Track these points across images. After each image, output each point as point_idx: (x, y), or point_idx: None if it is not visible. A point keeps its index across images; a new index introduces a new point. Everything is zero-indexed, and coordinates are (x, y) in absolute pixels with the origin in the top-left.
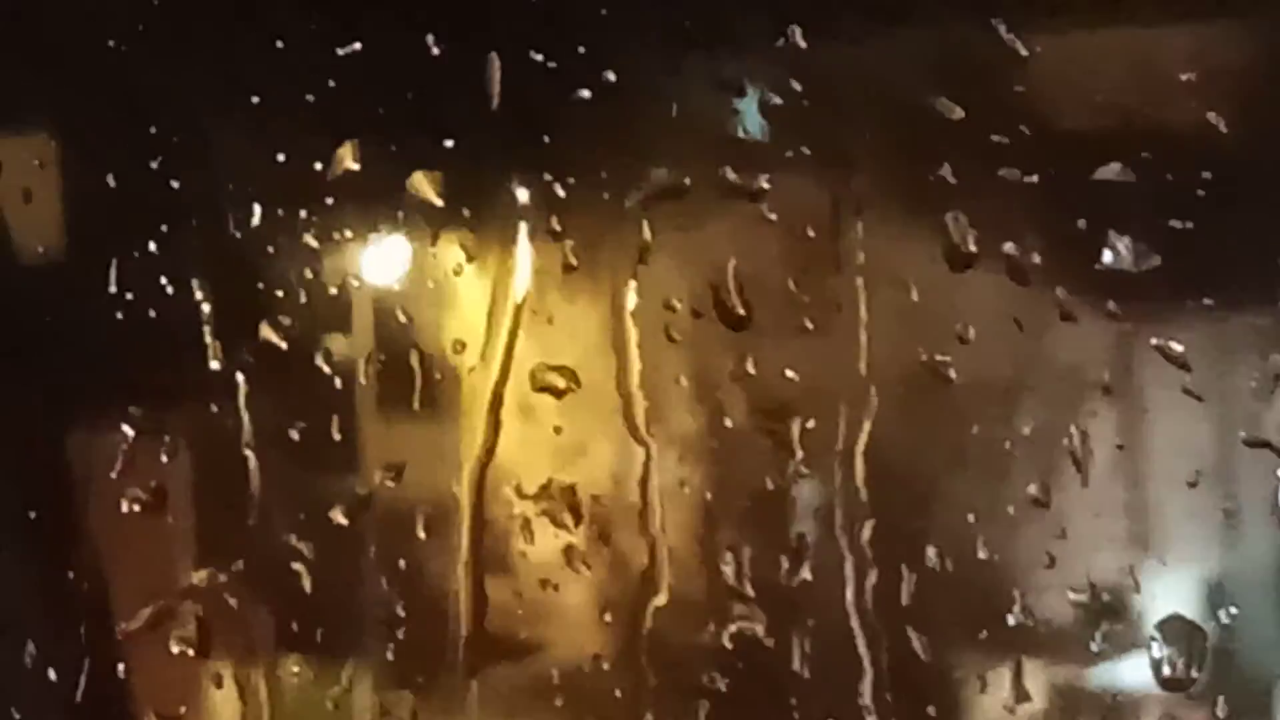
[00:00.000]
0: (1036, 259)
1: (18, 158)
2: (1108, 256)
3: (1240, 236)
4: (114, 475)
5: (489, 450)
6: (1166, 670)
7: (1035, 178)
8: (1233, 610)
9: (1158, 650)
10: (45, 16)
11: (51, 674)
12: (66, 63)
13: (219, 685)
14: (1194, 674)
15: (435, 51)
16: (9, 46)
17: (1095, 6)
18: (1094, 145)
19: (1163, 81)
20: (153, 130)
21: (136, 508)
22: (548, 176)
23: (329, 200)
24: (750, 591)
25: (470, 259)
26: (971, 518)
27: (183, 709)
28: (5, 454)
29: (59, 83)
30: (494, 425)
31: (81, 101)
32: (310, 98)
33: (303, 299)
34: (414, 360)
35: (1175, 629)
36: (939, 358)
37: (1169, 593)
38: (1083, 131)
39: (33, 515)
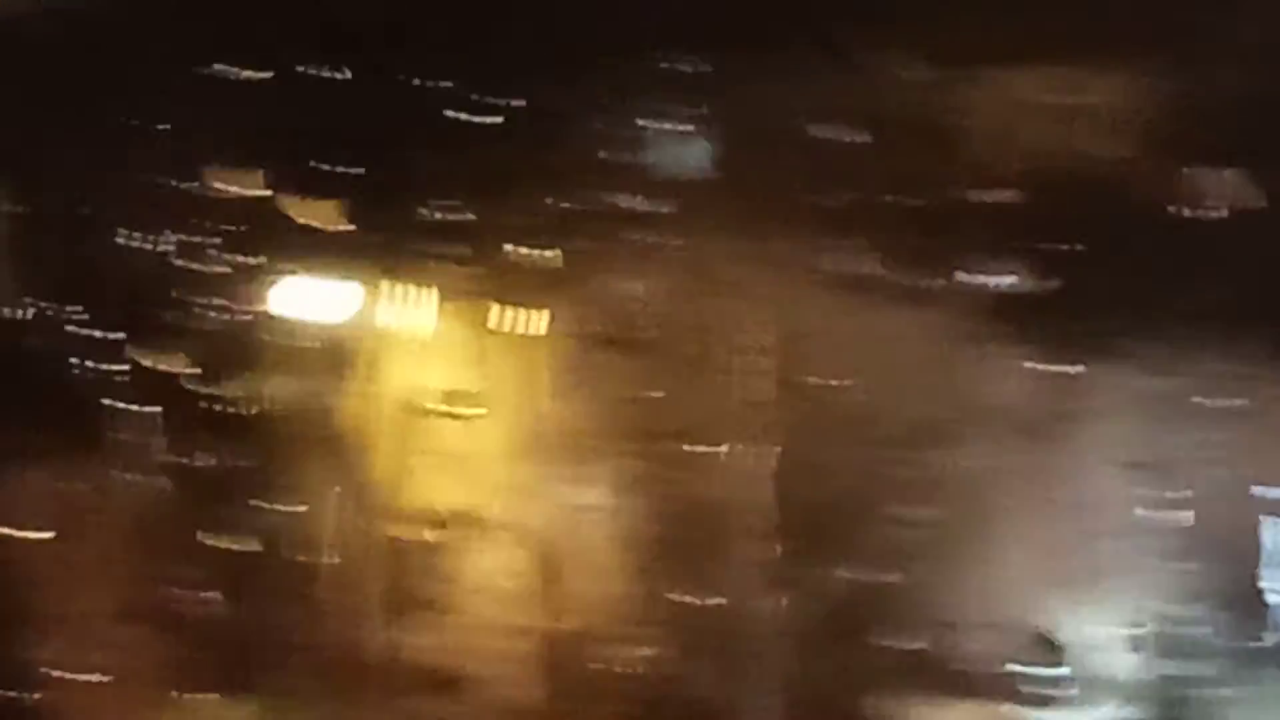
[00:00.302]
0: (938, 282)
1: None
2: (1006, 280)
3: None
4: (15, 503)
5: (394, 476)
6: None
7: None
8: (1095, 630)
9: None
10: None
11: None
12: None
13: (135, 711)
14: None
15: (346, 76)
16: None
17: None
18: (991, 172)
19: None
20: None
21: (46, 536)
22: (456, 201)
23: (237, 227)
24: (658, 615)
25: (379, 283)
26: (873, 538)
27: None
28: None
29: None
30: (400, 451)
31: None
32: (222, 125)
33: (207, 327)
34: (323, 383)
35: (1037, 643)
36: (834, 382)
37: (1058, 609)
38: (978, 158)
39: None
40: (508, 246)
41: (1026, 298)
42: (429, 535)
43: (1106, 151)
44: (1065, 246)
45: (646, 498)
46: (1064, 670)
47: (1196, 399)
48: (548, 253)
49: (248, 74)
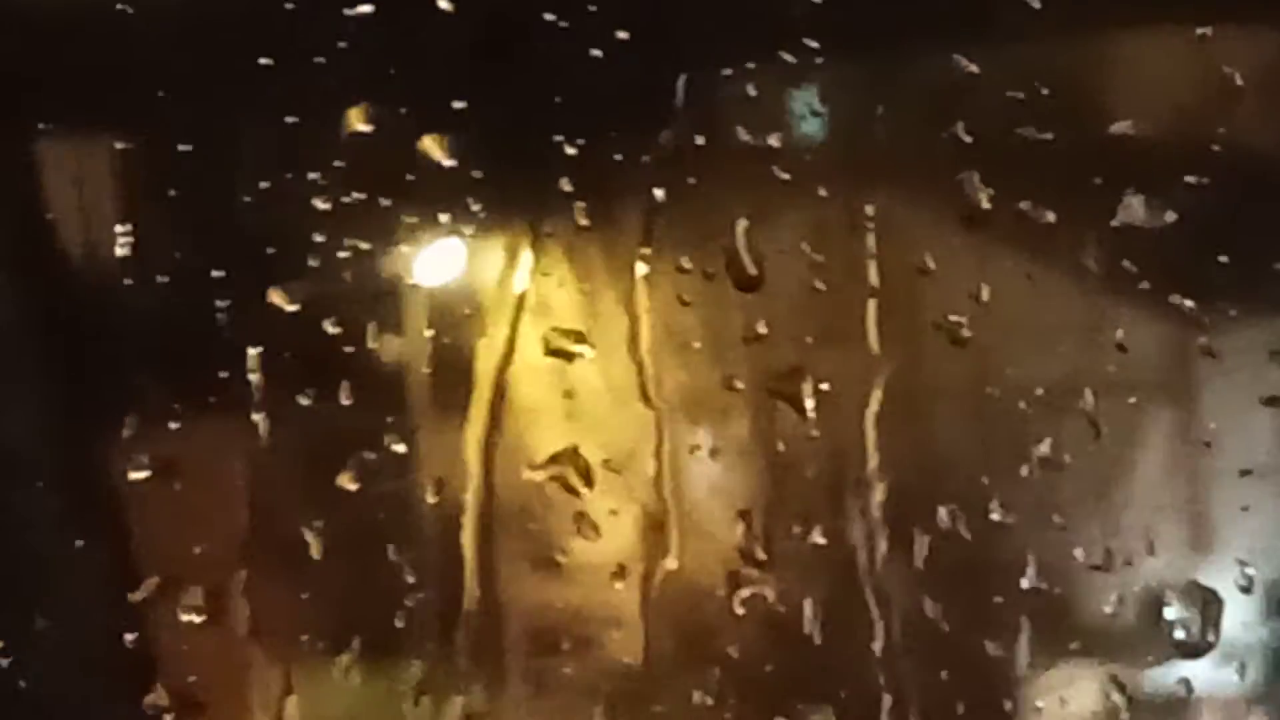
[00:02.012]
0: (1051, 217)
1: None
2: (1123, 214)
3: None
4: (124, 447)
5: (499, 415)
6: (1180, 634)
7: (1050, 135)
8: (1249, 573)
9: (1171, 614)
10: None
11: (62, 643)
12: (68, 29)
13: (229, 656)
14: (1210, 639)
15: (446, 8)
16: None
17: None
18: (1109, 104)
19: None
20: (161, 95)
21: (147, 478)
22: (558, 138)
23: (338, 163)
24: (762, 555)
25: (481, 222)
26: (985, 480)
27: (192, 679)
28: (13, 429)
29: (63, 49)
30: (504, 389)
31: (87, 69)
32: (320, 60)
33: (312, 263)
34: (424, 324)
35: (1190, 594)
36: (953, 319)
37: (1184, 557)
38: (1099, 90)
39: (40, 486)
40: (611, 180)
41: (1157, 234)
42: (531, 475)
43: (1246, 88)
44: (1204, 180)
45: (759, 437)
46: (1200, 621)
47: None
48: (652, 186)
49: (345, 9)
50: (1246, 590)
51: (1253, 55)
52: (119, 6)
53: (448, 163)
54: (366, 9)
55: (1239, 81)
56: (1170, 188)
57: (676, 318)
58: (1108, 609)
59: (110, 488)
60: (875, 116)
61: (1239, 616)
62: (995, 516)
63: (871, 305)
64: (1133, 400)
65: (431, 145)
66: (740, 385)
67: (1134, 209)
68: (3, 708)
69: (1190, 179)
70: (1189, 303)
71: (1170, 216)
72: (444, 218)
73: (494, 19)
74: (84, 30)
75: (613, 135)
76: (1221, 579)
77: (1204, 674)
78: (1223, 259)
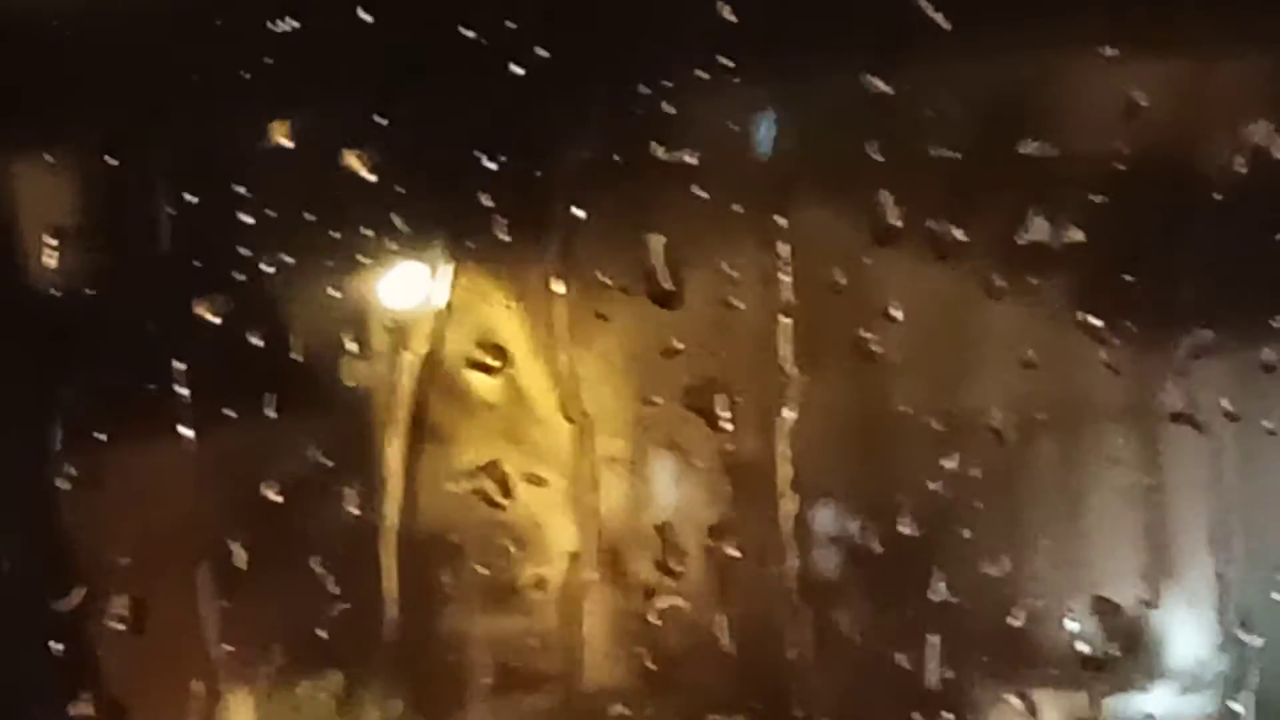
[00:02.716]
0: (960, 235)
1: None
2: (1030, 232)
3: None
4: (51, 455)
5: (420, 428)
6: (1085, 648)
7: (959, 154)
8: (1159, 588)
9: (1078, 627)
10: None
11: None
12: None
13: (155, 667)
14: (1115, 653)
15: (368, 21)
16: None
17: None
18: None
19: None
20: (87, 109)
21: (72, 488)
22: (479, 153)
23: (262, 177)
24: (679, 567)
25: (402, 236)
26: (897, 495)
27: (114, 689)
28: None
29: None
30: (425, 403)
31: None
32: (244, 74)
33: (236, 277)
34: (346, 337)
35: (1100, 609)
36: (864, 335)
37: (1091, 568)
38: (1007, 106)
39: None
40: (530, 195)
41: (1061, 250)
42: (453, 487)
43: (1164, 106)
44: (1103, 198)
45: (676, 451)
46: (1104, 636)
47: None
48: (570, 202)
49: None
50: (1151, 605)
51: (1157, 76)
52: (50, 21)
53: (369, 177)
54: (291, 24)
55: (1143, 102)
56: (1076, 206)
57: (595, 333)
58: (1016, 623)
59: (37, 498)
60: (789, 134)
61: (1149, 632)
62: (904, 529)
63: (785, 321)
64: (1042, 417)
65: (353, 160)
66: (657, 399)
67: (1040, 227)
68: None
69: (1096, 198)
70: (1096, 320)
71: (1076, 235)
72: (366, 232)
73: (415, 35)
74: (13, 44)
75: (533, 151)
76: (1127, 595)
77: (1114, 694)
78: (1128, 278)
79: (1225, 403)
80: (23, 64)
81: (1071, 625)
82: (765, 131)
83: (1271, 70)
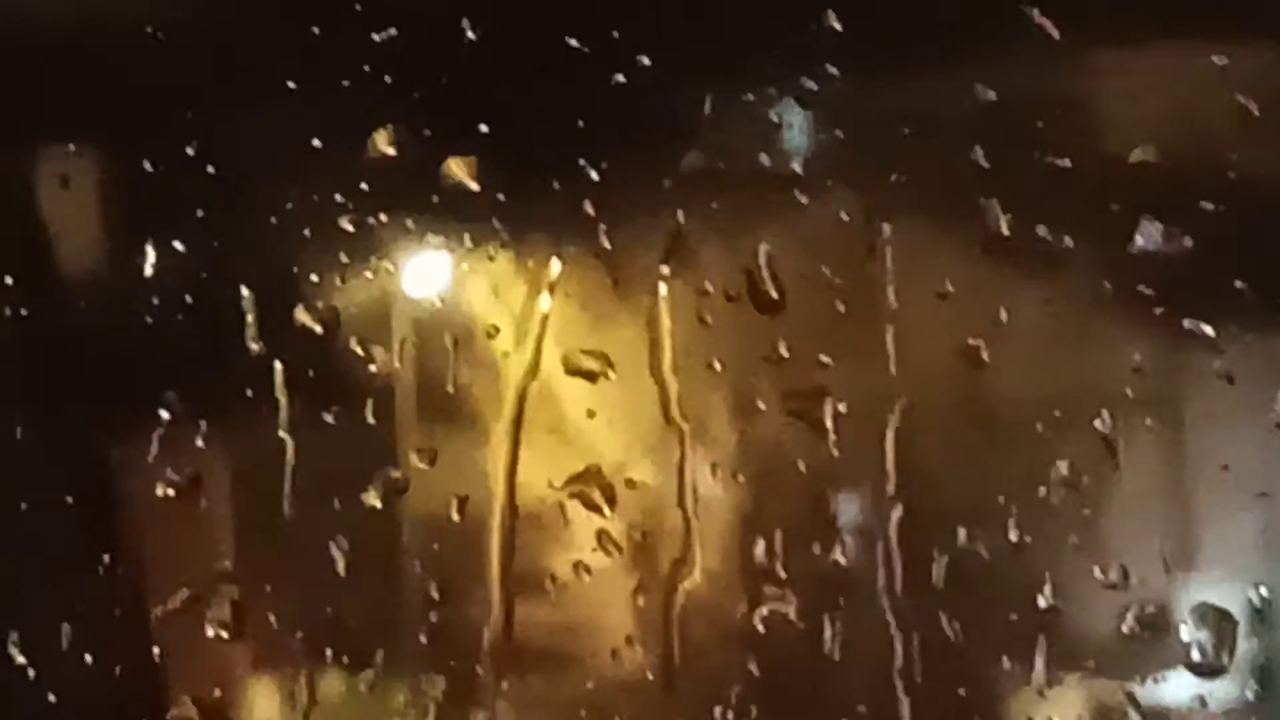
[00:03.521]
0: (1069, 243)
1: (52, 150)
2: (1140, 241)
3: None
4: (151, 461)
5: (521, 434)
6: (1196, 655)
7: (1068, 162)
8: (1264, 595)
9: (1187, 635)
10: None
11: (87, 658)
12: (98, 52)
13: (253, 669)
14: (1224, 661)
15: (470, 36)
16: (33, 47)
17: None
18: (1127, 129)
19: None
20: (189, 117)
21: (172, 493)
22: (582, 161)
23: (364, 185)
24: (783, 574)
25: (505, 243)
26: (1003, 501)
27: (217, 692)
28: (43, 441)
29: (92, 71)
30: (526, 409)
31: (115, 91)
32: (345, 83)
33: (338, 284)
34: (448, 344)
35: (1206, 616)
36: (971, 342)
37: (1201, 579)
38: (1117, 115)
39: (69, 500)
40: (633, 203)
41: (1164, 259)
42: (555, 494)
43: (1247, 112)
44: (1207, 207)
45: (771, 459)
46: (1197, 642)
47: None
48: (674, 210)
49: (372, 34)
50: (1260, 612)
51: (1268, 84)
52: (148, 29)
53: (472, 185)
54: (391, 33)
55: (1255, 110)
56: (1187, 214)
57: (698, 339)
58: (1124, 629)
59: (136, 504)
60: (895, 142)
61: (1253, 638)
62: (1013, 537)
63: (890, 328)
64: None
65: (456, 168)
66: (762, 406)
67: (1151, 235)
68: None
69: (1207, 205)
70: (1206, 328)
71: (1187, 242)
72: (468, 240)
73: (518, 43)
74: (112, 51)
75: (635, 159)
76: (1236, 601)
77: (1219, 694)
78: (1239, 284)
79: None
80: (124, 72)
81: (1183, 632)
82: (863, 140)
83: None
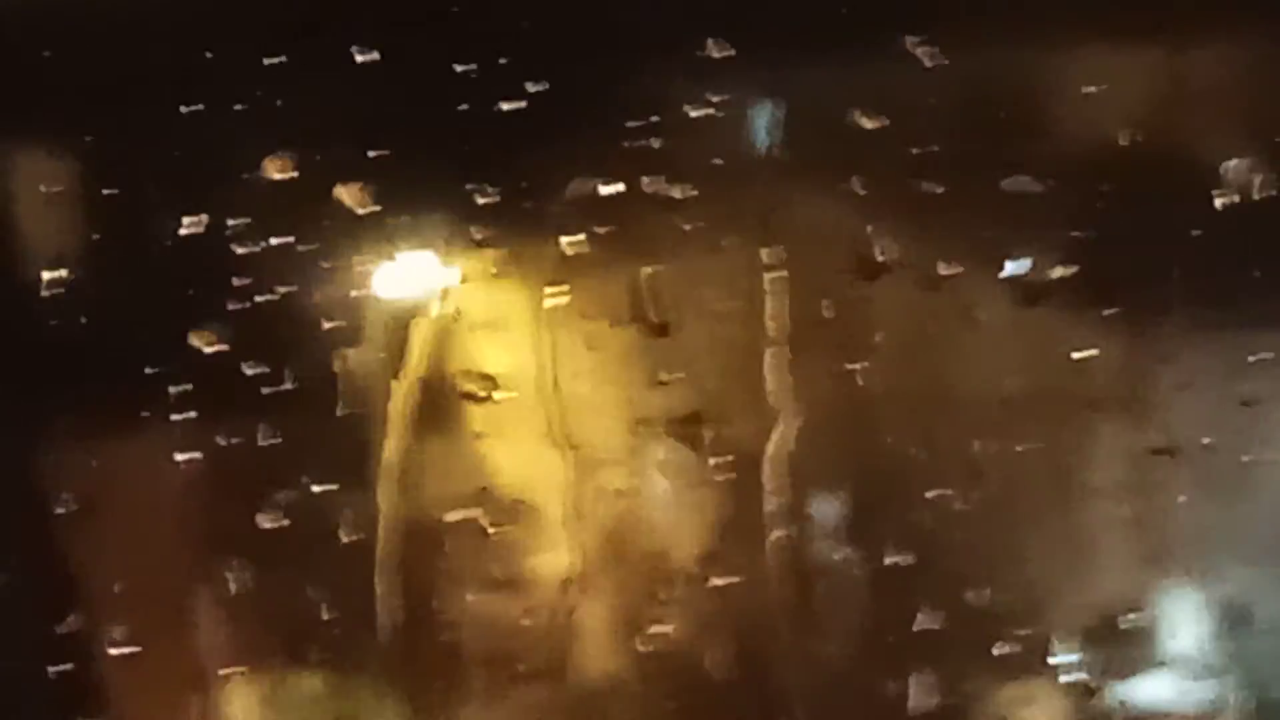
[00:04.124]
0: (944, 269)
1: None
2: (1014, 266)
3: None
4: (47, 484)
5: (411, 456)
6: (1069, 678)
7: (943, 189)
8: (1130, 617)
9: (1060, 657)
10: None
11: None
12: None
13: (150, 687)
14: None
15: (360, 60)
16: None
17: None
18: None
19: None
20: (87, 139)
21: (71, 512)
22: (470, 186)
23: (258, 209)
24: (665, 595)
25: (396, 266)
26: (882, 523)
27: (115, 712)
28: None
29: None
30: (416, 431)
31: (10, 108)
32: (239, 107)
33: (231, 306)
34: (336, 367)
35: (1085, 632)
36: (856, 366)
37: (1078, 602)
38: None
39: None
40: (521, 228)
41: (1050, 283)
42: (458, 517)
43: (1138, 137)
44: (1091, 233)
45: (670, 479)
46: (1097, 653)
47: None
48: (572, 236)
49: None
50: (1200, 608)
51: (1138, 113)
52: (45, 54)
53: (363, 210)
54: (281, 59)
55: (1123, 140)
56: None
57: (584, 362)
58: (1000, 650)
59: (35, 522)
60: (777, 168)
61: (1194, 635)
62: (890, 559)
63: (771, 351)
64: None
65: (347, 193)
66: (645, 428)
67: (1021, 263)
68: None
69: (1077, 233)
70: (1080, 353)
71: (1058, 271)
72: (359, 263)
73: (409, 69)
74: (9, 70)
75: (523, 185)
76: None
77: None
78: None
79: None
80: (24, 90)
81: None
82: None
83: None
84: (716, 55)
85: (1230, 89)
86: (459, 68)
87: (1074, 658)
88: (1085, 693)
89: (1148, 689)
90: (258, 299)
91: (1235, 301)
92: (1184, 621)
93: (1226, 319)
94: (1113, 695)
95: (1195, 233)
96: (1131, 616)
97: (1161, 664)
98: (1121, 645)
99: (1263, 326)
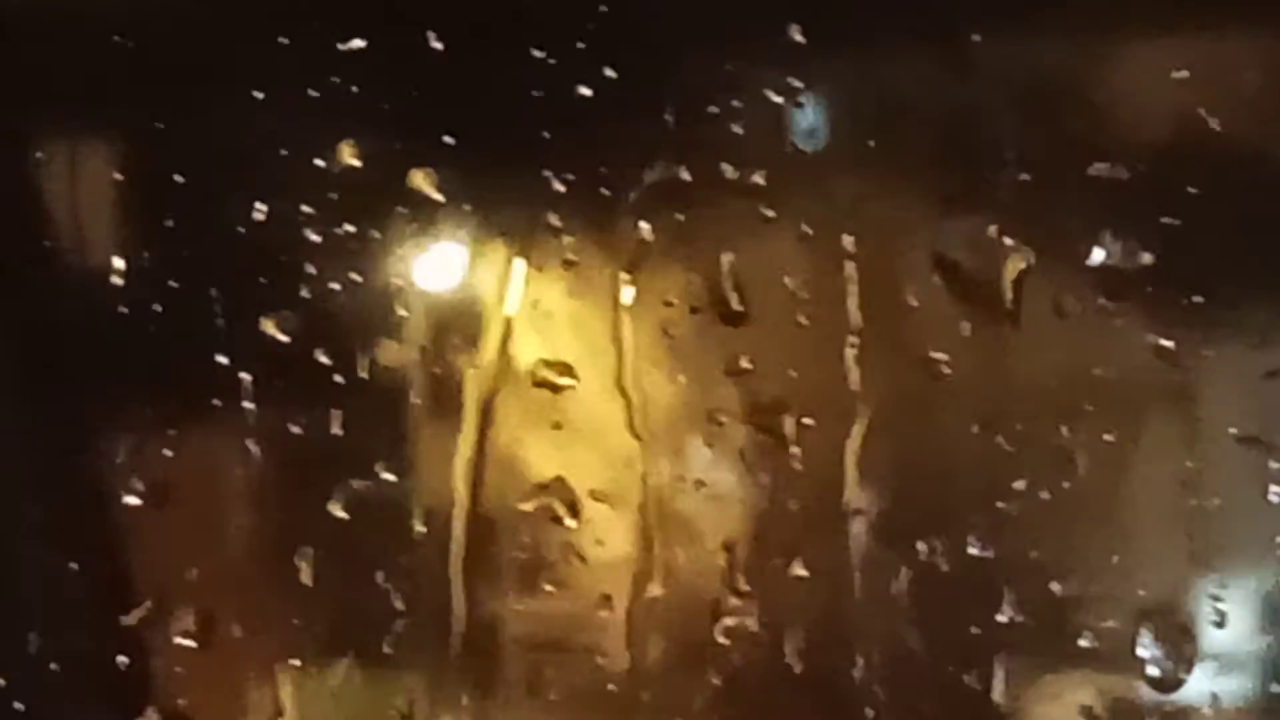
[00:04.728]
0: (1029, 258)
1: (21, 158)
2: (1099, 255)
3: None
4: (120, 470)
5: (486, 445)
6: (1153, 670)
7: (1029, 176)
8: (1221, 607)
9: (1144, 650)
10: (46, 14)
11: (54, 665)
12: (67, 61)
13: (219, 678)
14: (1182, 676)
15: (436, 47)
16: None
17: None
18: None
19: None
20: (159, 126)
21: (140, 502)
22: (547, 173)
23: (330, 196)
24: (745, 586)
25: (470, 254)
26: (965, 514)
27: (182, 702)
28: (15, 448)
29: (60, 80)
30: (491, 420)
31: (84, 97)
32: (312, 93)
33: (303, 294)
34: (414, 355)
35: (1165, 627)
36: (937, 356)
37: (1157, 589)
38: (1078, 130)
39: (41, 508)
40: (598, 215)
41: (1139, 272)
42: (519, 504)
43: (1227, 123)
44: (1179, 221)
45: (750, 469)
46: (1182, 647)
47: None
48: (638, 221)
49: (338, 45)
50: (1219, 625)
51: (1229, 99)
52: (116, 39)
53: (437, 196)
54: (358, 44)
55: (1215, 126)
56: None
57: (662, 351)
58: (1084, 642)
59: (105, 510)
60: (861, 154)
61: (1217, 646)
62: (973, 550)
63: (853, 340)
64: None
65: (421, 179)
66: (724, 418)
67: (1111, 250)
68: None
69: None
70: (1166, 342)
71: (1147, 258)
72: (433, 251)
73: (484, 55)
74: (81, 57)
75: (600, 171)
76: (1200, 610)
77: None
78: (1198, 299)
79: None
80: (95, 79)
81: (1145, 641)
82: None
83: None
84: (799, 40)
85: None
86: (535, 53)
87: (1160, 650)
88: (1174, 685)
89: (1237, 682)
90: (331, 286)
91: None
92: (1276, 615)
93: None
94: (1201, 689)
95: None
96: (1220, 608)
97: (1254, 657)
98: (1209, 638)
99: None
